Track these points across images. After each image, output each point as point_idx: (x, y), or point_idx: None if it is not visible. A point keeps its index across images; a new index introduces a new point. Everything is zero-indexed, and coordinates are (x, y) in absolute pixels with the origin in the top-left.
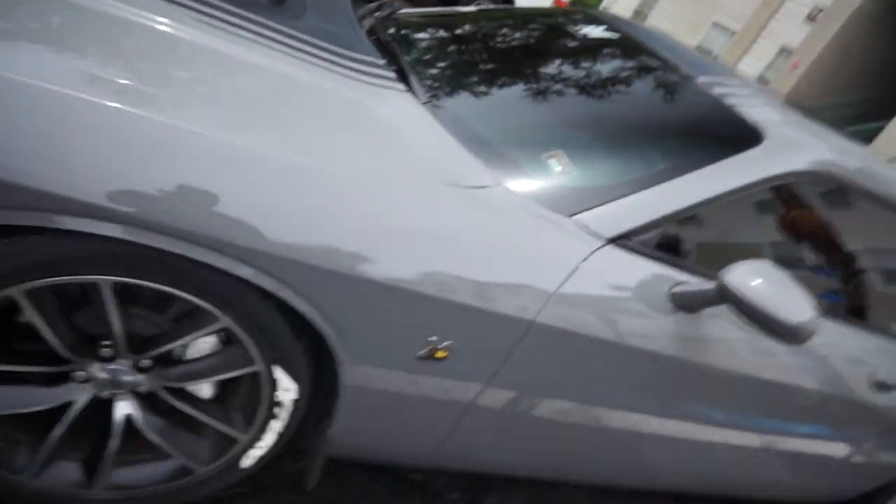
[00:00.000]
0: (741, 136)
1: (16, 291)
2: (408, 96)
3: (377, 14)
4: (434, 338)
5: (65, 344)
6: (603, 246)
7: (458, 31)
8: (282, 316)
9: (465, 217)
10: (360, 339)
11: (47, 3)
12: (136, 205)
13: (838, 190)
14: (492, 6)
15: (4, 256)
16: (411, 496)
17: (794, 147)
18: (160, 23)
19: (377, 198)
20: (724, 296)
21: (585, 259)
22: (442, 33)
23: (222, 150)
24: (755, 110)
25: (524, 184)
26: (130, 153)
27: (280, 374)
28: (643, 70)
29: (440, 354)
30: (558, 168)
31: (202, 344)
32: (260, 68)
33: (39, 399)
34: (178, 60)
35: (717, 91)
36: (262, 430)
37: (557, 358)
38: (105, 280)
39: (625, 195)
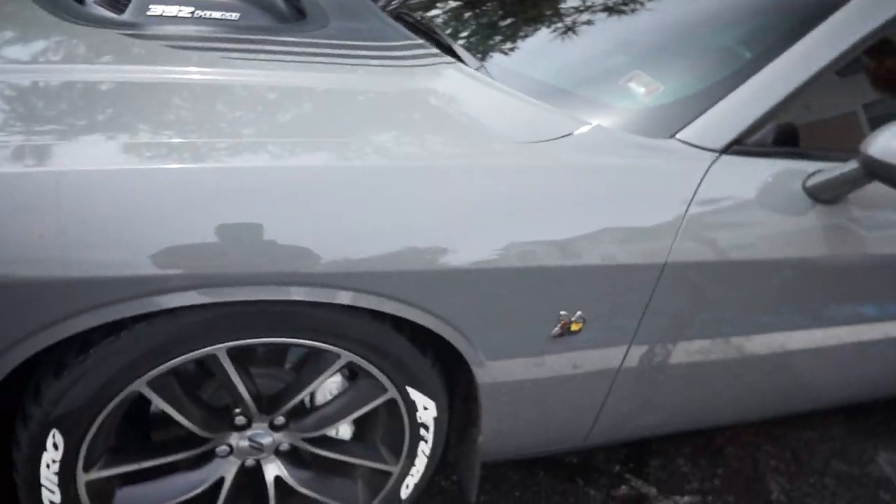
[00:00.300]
0: None
1: (139, 384)
2: (459, 66)
3: (394, 1)
4: (564, 312)
5: (198, 423)
6: (717, 159)
7: None
8: (400, 334)
9: (563, 171)
10: (487, 335)
11: (72, 92)
12: (221, 263)
13: None
14: None
15: (118, 353)
16: (573, 480)
17: None
18: (192, 72)
19: (466, 179)
20: (872, 170)
21: (703, 178)
22: None
23: (296, 179)
24: None
25: (610, 118)
26: (207, 210)
27: (415, 395)
28: None
29: (575, 327)
30: (641, 90)
31: (330, 385)
32: (308, 88)
33: (194, 483)
34: (227, 103)
35: None
36: (411, 455)
37: (698, 295)
38: (219, 349)
39: (723, 97)
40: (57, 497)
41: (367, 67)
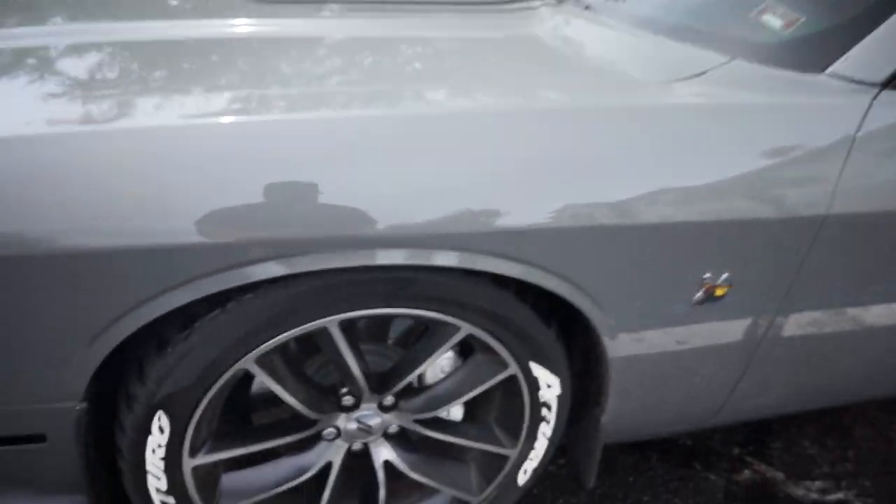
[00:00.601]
0: None
1: (247, 361)
2: (581, 11)
3: None
4: (709, 275)
5: (305, 404)
6: (878, 94)
7: None
8: (524, 303)
9: (702, 111)
10: (622, 303)
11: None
12: (329, 225)
13: None
14: None
15: (224, 327)
16: (689, 464)
17: None
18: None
19: (603, 122)
20: None
21: (864, 116)
22: None
23: (420, 127)
24: None
25: (749, 53)
26: (311, 166)
27: (538, 371)
28: None
29: (719, 292)
30: (779, 22)
31: (441, 363)
32: (416, 39)
33: (300, 468)
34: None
35: None
36: (531, 438)
37: (860, 253)
38: (331, 321)
39: (879, 22)
40: (163, 483)
41: (473, 14)
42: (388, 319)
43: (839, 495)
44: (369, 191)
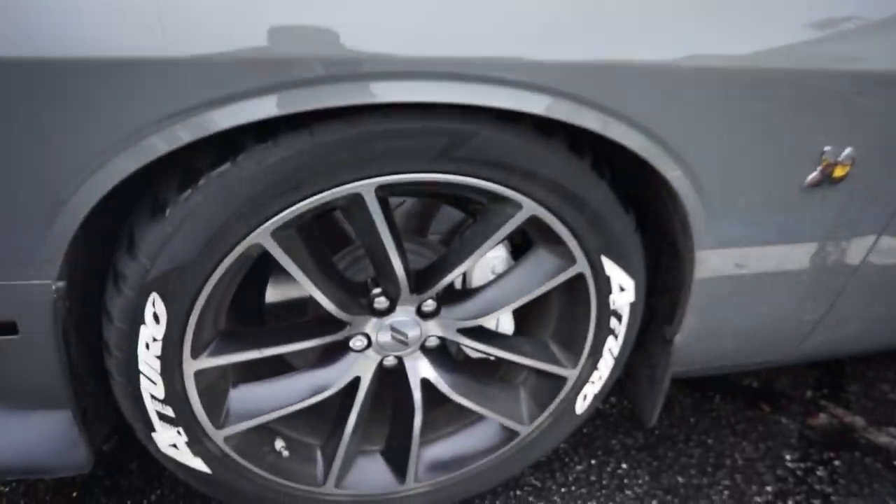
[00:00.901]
0: None
1: (261, 234)
2: None
3: None
4: (828, 148)
5: (331, 299)
6: None
7: None
8: (603, 179)
9: None
10: (722, 177)
11: None
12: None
13: None
14: None
15: (234, 185)
16: (756, 406)
17: None
18: None
19: None
20: None
21: None
22: None
23: None
24: None
25: None
26: None
27: (611, 269)
28: None
29: (839, 172)
30: None
31: (493, 261)
32: None
33: (323, 383)
34: None
35: None
36: (594, 355)
37: None
38: (366, 186)
39: None
40: (159, 390)
41: None
42: (429, 209)
43: None
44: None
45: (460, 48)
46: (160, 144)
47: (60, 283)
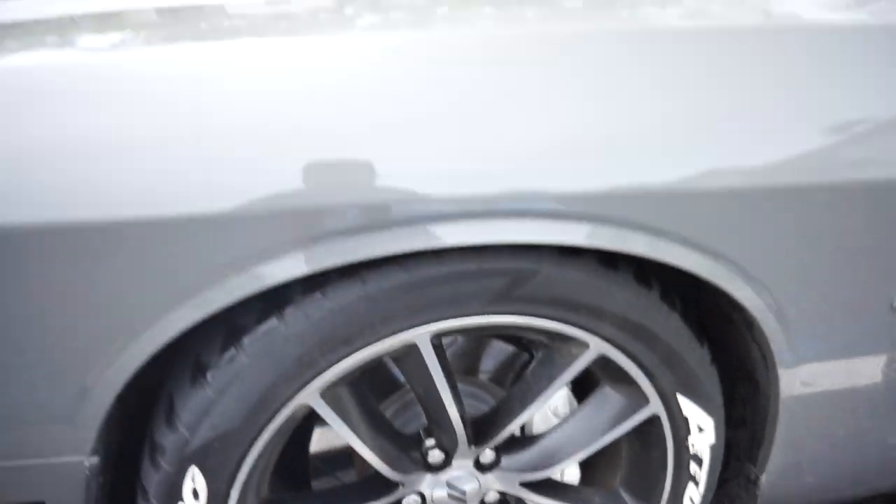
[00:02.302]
0: None
1: (310, 394)
2: None
3: None
4: None
5: (383, 458)
6: None
7: None
8: (674, 311)
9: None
10: (808, 309)
11: None
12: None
13: None
14: None
15: (280, 343)
16: None
17: None
18: None
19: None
20: None
21: None
22: None
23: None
24: None
25: None
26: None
27: (689, 408)
28: None
29: None
30: None
31: (556, 404)
32: None
33: None
34: None
35: None
36: (677, 501)
37: None
38: (423, 334)
39: None
40: None
41: None
42: (479, 346)
43: None
44: (480, 141)
45: (518, 183)
46: (203, 307)
47: (94, 459)
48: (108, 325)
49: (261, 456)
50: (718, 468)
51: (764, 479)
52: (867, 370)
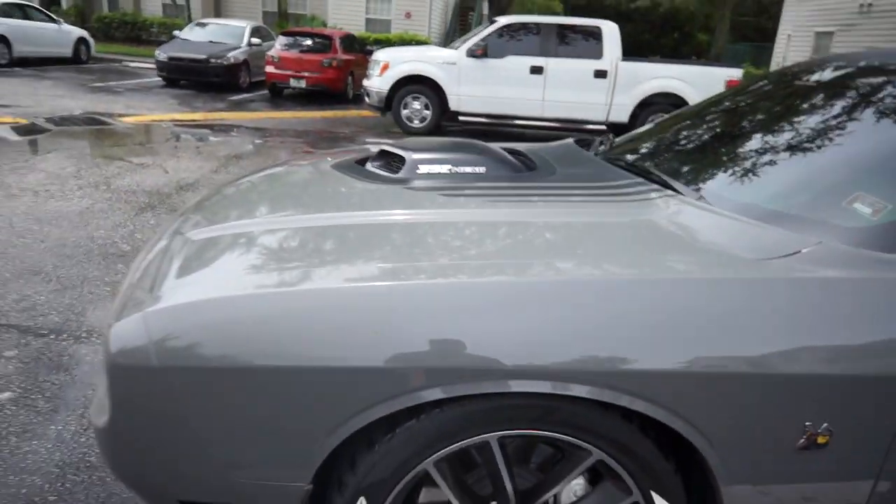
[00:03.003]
0: None
1: (429, 463)
2: (679, 197)
3: (601, 148)
4: (810, 423)
5: None
6: None
7: (686, 128)
8: (647, 437)
9: (800, 284)
10: (733, 444)
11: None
12: (521, 357)
13: None
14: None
15: (416, 434)
16: None
17: None
18: (459, 213)
19: (713, 292)
20: None
21: None
22: (670, 136)
23: (591, 293)
24: None
25: (837, 235)
26: (505, 313)
27: (659, 500)
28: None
29: (822, 440)
30: (868, 210)
31: (576, 487)
32: (554, 223)
33: None
34: (495, 235)
35: None
36: None
37: None
38: (492, 436)
39: None
40: None
41: (598, 202)
42: (532, 444)
43: None
44: (535, 336)
45: (553, 357)
46: (383, 411)
47: (309, 486)
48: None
49: (398, 494)
50: None
51: None
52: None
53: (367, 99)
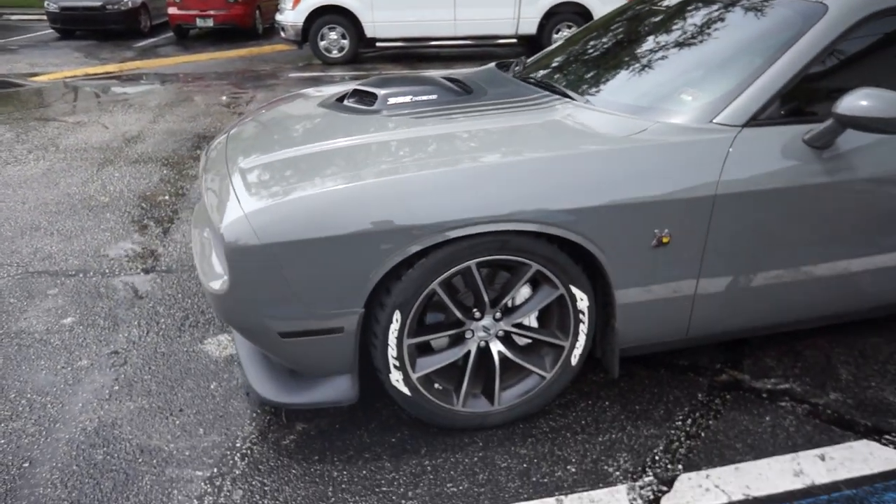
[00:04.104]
0: (809, 14)
1: (436, 284)
2: (573, 103)
3: (517, 69)
4: (656, 230)
5: (460, 312)
6: (740, 131)
7: (578, 48)
8: (563, 251)
9: (647, 147)
10: (618, 251)
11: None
12: (497, 210)
13: None
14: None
15: (426, 266)
16: (685, 373)
17: (852, 4)
18: (428, 129)
19: (595, 158)
20: (841, 122)
21: (733, 142)
22: (565, 56)
23: (522, 167)
24: None
25: (670, 116)
26: (486, 186)
27: (576, 291)
28: (724, 6)
29: (665, 240)
30: (689, 98)
31: (524, 291)
32: (489, 128)
33: (455, 354)
34: (456, 141)
35: None
36: (575, 334)
37: (741, 220)
38: (473, 263)
39: (742, 91)
40: (394, 352)
41: (519, 111)
42: (495, 273)
43: (785, 385)
44: (491, 198)
45: (504, 209)
46: (407, 252)
47: (363, 310)
48: (371, 266)
49: (417, 307)
50: (594, 317)
51: (617, 325)
52: (645, 282)
53: (282, 33)
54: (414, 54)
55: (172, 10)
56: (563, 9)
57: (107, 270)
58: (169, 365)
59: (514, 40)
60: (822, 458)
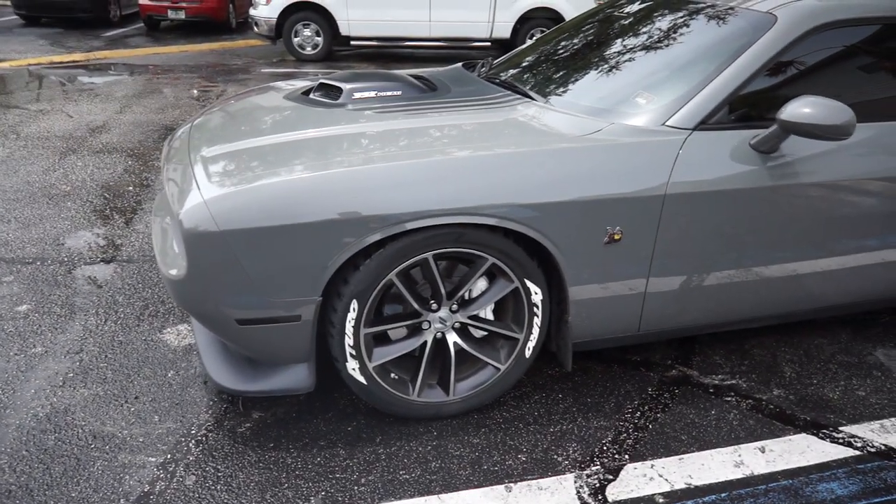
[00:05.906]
0: (760, 24)
1: (392, 275)
2: (533, 102)
3: (483, 70)
4: (608, 227)
5: (416, 303)
6: (691, 133)
7: (545, 49)
8: (519, 246)
9: (600, 147)
10: (571, 247)
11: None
12: (453, 203)
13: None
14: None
15: (383, 257)
16: (637, 369)
17: (800, 16)
18: (391, 124)
19: (548, 157)
20: (785, 128)
21: (683, 144)
22: (530, 59)
23: (478, 162)
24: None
25: (626, 118)
26: (439, 180)
27: (530, 284)
28: (684, 14)
29: (617, 237)
30: (644, 101)
31: (480, 284)
32: (450, 124)
33: (412, 345)
34: (414, 136)
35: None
36: (530, 327)
37: (689, 220)
38: (429, 254)
39: (693, 96)
40: (351, 341)
41: (480, 110)
42: (453, 266)
43: (732, 381)
44: (451, 192)
45: (460, 202)
46: (364, 244)
47: (320, 298)
48: (328, 256)
49: (374, 297)
50: (548, 311)
51: (569, 320)
52: (598, 277)
53: (255, 28)
54: (388, 54)
55: (143, 1)
56: (537, 14)
57: (65, 259)
58: (126, 353)
59: (488, 44)
60: (763, 450)
